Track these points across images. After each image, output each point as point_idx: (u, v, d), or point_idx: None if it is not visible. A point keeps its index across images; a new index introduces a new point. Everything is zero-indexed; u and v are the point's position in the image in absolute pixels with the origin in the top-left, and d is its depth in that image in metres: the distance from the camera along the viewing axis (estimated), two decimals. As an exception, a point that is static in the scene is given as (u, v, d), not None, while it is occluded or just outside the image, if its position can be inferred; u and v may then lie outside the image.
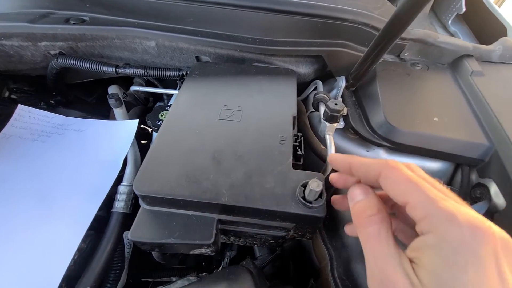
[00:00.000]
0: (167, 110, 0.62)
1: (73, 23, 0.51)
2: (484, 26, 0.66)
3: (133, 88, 0.73)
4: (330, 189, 0.40)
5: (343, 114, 0.41)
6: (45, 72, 0.68)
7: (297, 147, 0.39)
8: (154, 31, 0.53)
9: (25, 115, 0.65)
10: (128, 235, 0.33)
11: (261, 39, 0.54)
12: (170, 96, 0.80)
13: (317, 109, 0.51)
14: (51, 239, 0.46)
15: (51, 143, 0.61)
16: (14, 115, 0.64)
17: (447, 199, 0.21)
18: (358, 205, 0.26)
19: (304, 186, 0.33)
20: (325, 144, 0.45)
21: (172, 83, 0.73)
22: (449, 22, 0.68)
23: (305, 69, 0.61)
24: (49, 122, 0.65)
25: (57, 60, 0.62)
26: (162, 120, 0.59)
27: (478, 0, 0.69)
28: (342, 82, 0.52)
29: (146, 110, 0.92)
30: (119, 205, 0.53)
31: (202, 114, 0.42)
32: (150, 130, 0.82)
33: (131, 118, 0.80)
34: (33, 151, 0.58)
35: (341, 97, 0.54)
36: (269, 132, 0.40)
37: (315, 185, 0.30)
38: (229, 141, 0.39)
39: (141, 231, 0.33)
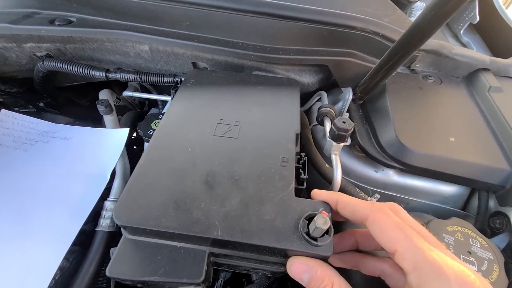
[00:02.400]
0: (161, 118, 0.58)
1: (59, 25, 0.47)
2: (498, 37, 0.63)
3: (126, 93, 0.68)
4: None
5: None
6: (32, 74, 0.64)
7: (300, 170, 0.35)
8: (147, 35, 0.49)
9: (8, 121, 0.61)
10: (107, 271, 0.29)
11: (262, 46, 0.50)
12: (165, 102, 0.76)
13: (321, 123, 0.47)
14: (29, 258, 0.42)
15: (34, 152, 0.57)
16: (-4, 121, 0.59)
17: (434, 249, 0.21)
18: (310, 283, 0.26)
19: (309, 219, 0.29)
20: (330, 163, 0.41)
21: (167, 89, 0.69)
22: (461, 32, 0.64)
23: (308, 78, 0.57)
24: (34, 128, 0.61)
25: (43, 63, 0.58)
26: (154, 130, 0.55)
27: (492, 9, 0.65)
28: (349, 95, 0.48)
29: (141, 114, 0.88)
30: (105, 222, 0.48)
31: (195, 129, 0.38)
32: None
33: (124, 123, 0.76)
34: (13, 160, 0.54)
35: (347, 111, 0.50)
36: (269, 151, 0.36)
37: (322, 221, 0.26)
38: (224, 161, 0.35)
39: (121, 267, 0.29)
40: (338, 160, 0.38)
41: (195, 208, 0.30)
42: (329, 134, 0.38)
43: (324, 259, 0.29)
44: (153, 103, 0.91)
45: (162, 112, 0.66)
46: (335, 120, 0.36)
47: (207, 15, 0.47)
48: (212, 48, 0.49)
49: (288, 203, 0.31)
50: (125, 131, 0.59)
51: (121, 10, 0.48)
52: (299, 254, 0.28)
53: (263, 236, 0.28)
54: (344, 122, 0.36)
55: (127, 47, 0.55)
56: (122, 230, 0.32)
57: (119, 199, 0.31)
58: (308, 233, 0.28)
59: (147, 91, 0.79)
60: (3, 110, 0.61)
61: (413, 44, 0.33)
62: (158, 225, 0.29)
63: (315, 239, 0.28)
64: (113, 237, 0.48)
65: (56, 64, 0.57)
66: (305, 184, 0.35)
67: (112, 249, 0.46)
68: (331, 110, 0.46)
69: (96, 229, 0.48)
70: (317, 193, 0.30)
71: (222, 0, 0.46)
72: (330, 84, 0.61)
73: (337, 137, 0.37)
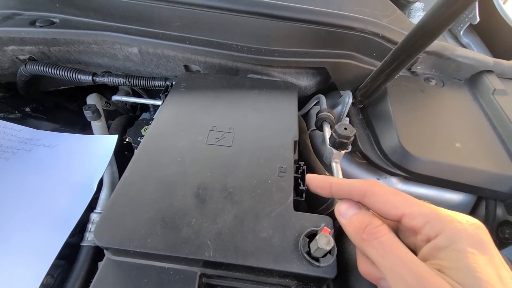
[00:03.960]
0: (151, 124, 0.55)
1: (40, 26, 0.44)
2: (498, 38, 0.61)
3: (115, 97, 0.65)
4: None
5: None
6: (15, 78, 0.61)
7: (299, 180, 0.33)
8: (135, 37, 0.46)
9: (-11, 128, 0.57)
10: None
11: (257, 48, 0.47)
12: (156, 107, 0.73)
13: (320, 129, 0.45)
14: (9, 276, 0.39)
15: (16, 160, 0.53)
16: (-24, 128, 0.56)
17: (436, 206, 0.22)
18: (356, 219, 0.24)
19: (309, 236, 0.27)
20: (330, 172, 0.39)
21: (159, 93, 0.66)
22: (461, 32, 0.63)
23: (306, 81, 0.54)
24: (16, 136, 0.58)
25: (25, 67, 0.55)
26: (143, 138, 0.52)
27: (492, 9, 0.64)
28: (348, 99, 0.46)
29: (133, 119, 0.85)
30: (90, 236, 0.45)
31: (186, 136, 0.36)
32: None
33: (114, 129, 0.72)
34: (-8, 171, 0.51)
35: (347, 116, 0.48)
36: (265, 161, 0.33)
37: (324, 241, 0.24)
38: (217, 172, 0.32)
39: (102, 292, 0.26)
40: (339, 169, 0.36)
41: (185, 226, 0.27)
42: (330, 141, 0.36)
43: (327, 281, 0.26)
44: (146, 107, 0.88)
45: (153, 117, 0.63)
46: (335, 127, 0.34)
47: (199, 16, 0.45)
48: (204, 50, 0.47)
49: (286, 218, 0.28)
50: (114, 137, 0.56)
51: (107, 10, 0.45)
52: (299, 275, 0.26)
53: (260, 256, 0.26)
54: (345, 129, 0.34)
55: (115, 49, 0.52)
56: (105, 250, 0.29)
57: (100, 216, 0.28)
58: (309, 253, 0.26)
59: (139, 95, 0.76)
60: (-17, 117, 0.57)
61: (418, 45, 0.31)
62: (143, 246, 0.26)
63: (316, 259, 0.25)
64: (100, 251, 0.45)
65: (39, 67, 0.53)
66: (304, 195, 0.33)
67: (99, 263, 0.43)
68: (330, 115, 0.43)
69: (81, 243, 0.45)
70: (311, 178, 0.28)
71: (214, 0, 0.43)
72: (328, 87, 0.59)
73: (338, 144, 0.34)
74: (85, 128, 0.89)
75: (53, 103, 0.82)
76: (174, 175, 0.31)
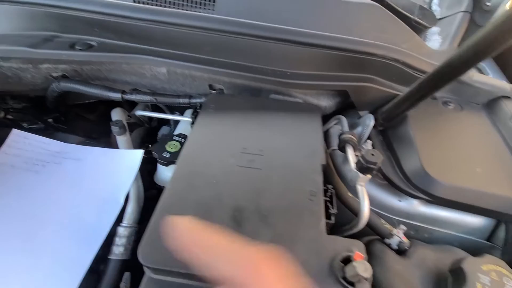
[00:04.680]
0: (175, 140, 0.57)
1: (80, 49, 0.47)
2: (512, 61, 0.63)
3: (140, 112, 0.68)
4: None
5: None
6: (45, 93, 0.64)
7: (328, 203, 0.34)
8: (167, 60, 0.49)
9: (20, 141, 0.60)
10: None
11: (282, 72, 0.49)
12: (176, 121, 0.76)
13: (342, 150, 0.47)
14: (40, 290, 0.40)
15: (46, 174, 0.55)
16: (8, 141, 0.58)
17: None
18: None
19: (344, 261, 0.28)
20: (355, 194, 0.40)
21: (178, 107, 0.69)
22: (475, 55, 0.64)
23: (326, 102, 0.56)
24: (46, 149, 0.60)
25: (59, 84, 0.57)
26: (169, 152, 0.54)
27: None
28: (370, 121, 0.47)
29: (151, 130, 0.87)
30: (118, 250, 0.47)
31: (219, 158, 0.37)
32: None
33: (133, 141, 0.75)
34: (24, 183, 0.53)
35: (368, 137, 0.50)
36: (295, 184, 0.35)
37: (362, 268, 0.25)
38: (251, 195, 0.33)
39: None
40: (365, 192, 0.37)
41: (224, 248, 0.29)
42: (356, 166, 0.37)
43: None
44: (164, 119, 0.91)
45: (176, 133, 0.66)
46: (363, 152, 0.35)
47: (229, 41, 0.47)
48: (232, 73, 0.49)
49: (320, 242, 0.30)
50: (139, 152, 0.58)
51: (143, 35, 0.48)
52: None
53: (297, 280, 0.27)
54: (372, 155, 0.35)
55: (144, 69, 0.55)
56: (145, 268, 0.31)
57: (144, 236, 0.30)
58: (345, 278, 0.27)
59: (158, 109, 0.79)
60: (14, 130, 0.60)
61: (448, 77, 0.33)
62: (185, 267, 0.27)
63: (352, 284, 0.26)
64: (127, 265, 0.46)
65: (72, 85, 0.56)
66: (333, 218, 0.34)
67: (125, 274, 0.45)
68: (353, 137, 0.45)
69: (108, 257, 0.46)
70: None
71: (245, 27, 0.46)
72: (346, 106, 0.61)
73: (365, 169, 0.36)
74: (103, 137, 0.91)
75: (73, 113, 0.85)
76: (211, 197, 0.33)
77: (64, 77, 0.59)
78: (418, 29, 0.62)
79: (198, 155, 0.38)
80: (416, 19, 0.59)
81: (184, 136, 0.57)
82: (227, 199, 0.33)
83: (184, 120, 0.66)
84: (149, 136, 0.86)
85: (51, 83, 0.59)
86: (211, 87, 0.58)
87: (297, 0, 0.48)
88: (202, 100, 0.59)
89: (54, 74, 0.59)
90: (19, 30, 0.50)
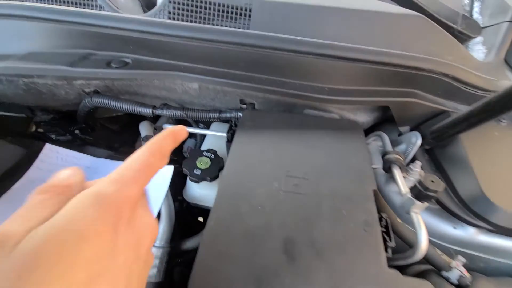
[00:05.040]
0: (205, 155, 0.56)
1: (115, 67, 0.46)
2: None
3: (166, 126, 0.67)
4: None
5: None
6: (76, 107, 0.64)
7: (385, 235, 0.32)
8: (200, 76, 0.48)
9: (52, 156, 0.60)
10: None
11: (320, 87, 0.47)
12: (203, 135, 0.75)
13: (387, 170, 0.44)
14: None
15: (78, 190, 0.55)
16: (41, 156, 0.59)
17: None
18: None
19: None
20: (411, 224, 0.37)
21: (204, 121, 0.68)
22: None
23: (364, 117, 0.54)
24: (77, 164, 0.60)
25: (91, 99, 0.58)
26: (200, 169, 0.52)
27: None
28: (417, 140, 0.44)
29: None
30: (151, 272, 0.45)
31: (262, 182, 0.35)
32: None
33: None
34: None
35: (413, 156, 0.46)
36: (348, 213, 0.32)
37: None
38: (301, 224, 0.31)
39: None
40: (422, 221, 0.34)
41: (278, 286, 0.27)
42: (413, 192, 0.34)
43: None
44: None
45: (203, 147, 0.64)
46: (422, 179, 0.33)
47: (265, 56, 0.46)
48: (267, 89, 0.47)
49: (382, 280, 0.27)
50: (169, 168, 0.56)
51: (177, 52, 0.47)
52: None
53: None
54: (432, 182, 0.32)
55: (175, 84, 0.54)
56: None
57: (194, 270, 0.28)
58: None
59: (181, 120, 0.78)
60: (47, 144, 0.60)
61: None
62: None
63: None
64: (160, 287, 0.45)
65: (104, 101, 0.56)
66: (390, 251, 0.31)
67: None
68: (399, 157, 0.42)
69: (141, 279, 0.45)
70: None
71: (282, 42, 0.44)
72: (382, 120, 0.58)
73: (423, 196, 0.33)
74: (125, 146, 0.92)
75: (99, 124, 0.86)
76: (258, 226, 0.31)
77: (96, 92, 0.59)
78: (461, 39, 0.59)
79: (240, 178, 0.36)
80: (460, 29, 0.55)
81: (213, 152, 0.55)
82: (276, 229, 0.31)
83: (212, 134, 0.65)
84: (174, 149, 0.86)
85: (83, 99, 0.60)
86: (242, 101, 0.56)
87: (337, 13, 0.46)
88: (233, 114, 0.57)
89: (87, 90, 0.59)
90: (56, 47, 0.50)
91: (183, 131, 0.29)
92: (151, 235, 0.23)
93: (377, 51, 0.45)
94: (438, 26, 0.50)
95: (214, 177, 0.51)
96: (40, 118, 0.81)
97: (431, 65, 0.44)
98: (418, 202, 0.34)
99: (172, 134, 0.28)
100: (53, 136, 0.78)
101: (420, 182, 0.33)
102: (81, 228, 0.16)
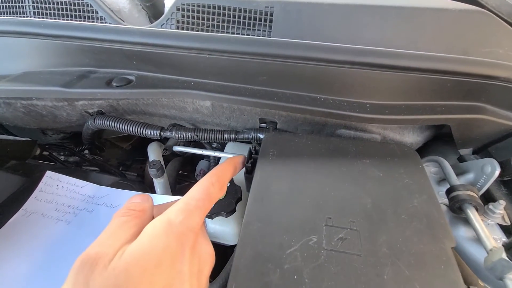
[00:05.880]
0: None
1: (117, 86, 0.40)
2: None
3: (177, 148, 0.60)
4: None
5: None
6: (81, 128, 0.59)
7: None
8: (214, 94, 0.40)
9: (53, 185, 0.54)
10: None
11: (360, 103, 0.38)
12: (217, 158, 0.67)
13: (455, 211, 0.33)
14: None
15: (77, 224, 0.49)
16: (41, 185, 0.53)
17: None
18: None
19: None
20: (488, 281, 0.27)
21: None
22: None
23: (412, 137, 0.44)
24: (79, 193, 0.54)
25: (94, 121, 0.52)
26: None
27: None
28: (495, 170, 0.34)
29: (185, 161, 0.80)
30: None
31: (296, 236, 0.27)
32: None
33: (170, 175, 0.68)
34: (53, 236, 0.47)
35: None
36: (423, 286, 0.23)
37: None
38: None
39: None
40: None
41: None
42: (511, 253, 0.24)
43: None
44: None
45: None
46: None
47: (289, 68, 0.38)
48: (293, 107, 0.39)
49: None
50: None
51: (186, 66, 0.40)
52: None
53: None
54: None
55: (185, 102, 0.47)
56: None
57: None
58: None
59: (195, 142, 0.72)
60: (48, 172, 0.55)
61: None
62: None
63: None
64: None
65: (108, 122, 0.50)
66: None
67: None
68: (474, 194, 0.32)
69: None
70: None
71: (311, 50, 0.36)
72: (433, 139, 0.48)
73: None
74: (137, 164, 0.87)
75: (108, 143, 0.81)
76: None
77: (100, 113, 0.53)
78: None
79: (266, 229, 0.27)
80: (527, 26, 0.45)
81: (230, 180, 0.47)
82: (322, 315, 0.21)
83: (226, 156, 0.57)
84: (185, 165, 0.80)
85: (86, 120, 0.54)
86: (261, 120, 0.48)
87: (379, 12, 0.38)
88: (251, 135, 0.49)
89: (90, 110, 0.53)
90: (54, 66, 0.45)
91: (242, 159, 0.34)
92: (210, 263, 0.24)
93: (432, 57, 0.36)
94: (506, 24, 0.40)
95: (230, 211, 0.43)
96: (51, 137, 0.77)
97: (508, 73, 0.34)
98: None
99: (232, 164, 0.32)
100: (62, 157, 0.74)
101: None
102: (158, 253, 0.19)
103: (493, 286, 0.31)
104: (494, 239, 0.29)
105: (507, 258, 0.25)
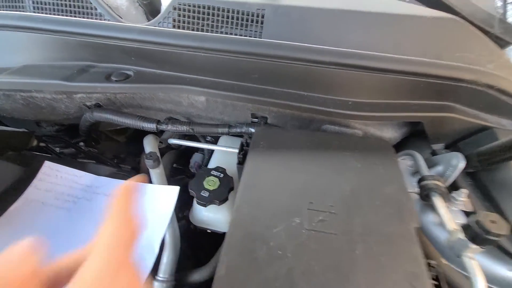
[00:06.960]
0: (213, 175, 0.51)
1: (116, 80, 0.42)
2: None
3: (172, 141, 0.63)
4: None
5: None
6: (78, 121, 0.61)
7: (435, 288, 0.26)
8: (208, 90, 0.43)
9: (52, 174, 0.56)
10: None
11: (343, 101, 0.42)
12: (210, 151, 0.70)
13: (424, 199, 0.37)
14: None
15: (77, 211, 0.51)
16: (40, 174, 0.55)
17: None
18: None
19: None
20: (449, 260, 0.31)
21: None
22: None
23: (391, 133, 0.48)
24: (77, 182, 0.56)
25: (92, 114, 0.54)
26: (208, 190, 0.47)
27: None
28: (459, 162, 0.38)
29: (181, 154, 0.82)
30: (153, 310, 0.40)
31: (281, 218, 0.30)
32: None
33: (165, 167, 0.70)
34: (55, 223, 0.49)
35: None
36: (389, 260, 0.26)
37: None
38: (331, 278, 0.25)
39: None
40: (479, 268, 0.28)
41: None
42: (468, 233, 0.28)
43: None
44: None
45: (211, 164, 0.60)
46: (479, 218, 0.26)
47: (279, 67, 0.41)
48: (282, 103, 0.42)
49: None
50: (175, 189, 0.52)
51: (182, 63, 0.43)
52: None
53: None
54: (493, 222, 0.26)
55: (181, 97, 0.50)
56: None
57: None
58: None
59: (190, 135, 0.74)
60: (46, 162, 0.56)
61: None
62: None
63: None
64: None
65: (106, 115, 0.52)
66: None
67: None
68: (440, 184, 0.36)
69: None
70: None
71: (300, 51, 0.39)
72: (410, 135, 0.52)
73: (482, 240, 0.27)
74: (132, 156, 0.88)
75: (104, 135, 0.83)
76: (279, 277, 0.25)
77: (97, 106, 0.55)
78: (499, 44, 0.52)
79: (254, 212, 0.31)
80: (497, 34, 0.49)
81: (222, 170, 0.50)
82: (302, 283, 0.25)
83: (220, 149, 0.60)
84: (180, 161, 0.82)
85: (84, 113, 0.56)
86: (253, 115, 0.51)
87: (362, 18, 0.41)
88: (243, 130, 0.52)
89: (88, 103, 0.55)
90: (53, 60, 0.47)
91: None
92: None
93: (409, 60, 0.39)
94: (477, 31, 0.44)
95: (223, 200, 0.46)
96: (45, 129, 0.78)
97: (474, 76, 0.38)
98: (473, 246, 0.28)
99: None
100: (57, 149, 0.75)
101: (478, 222, 0.27)
102: None
103: (456, 265, 0.35)
104: (457, 223, 0.34)
105: (464, 238, 0.29)
